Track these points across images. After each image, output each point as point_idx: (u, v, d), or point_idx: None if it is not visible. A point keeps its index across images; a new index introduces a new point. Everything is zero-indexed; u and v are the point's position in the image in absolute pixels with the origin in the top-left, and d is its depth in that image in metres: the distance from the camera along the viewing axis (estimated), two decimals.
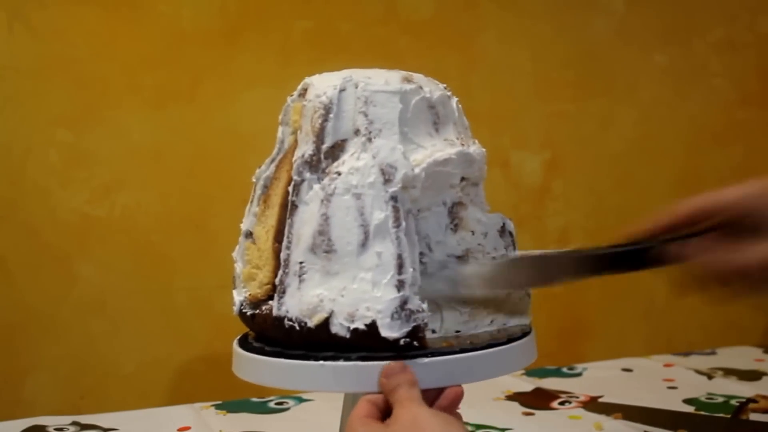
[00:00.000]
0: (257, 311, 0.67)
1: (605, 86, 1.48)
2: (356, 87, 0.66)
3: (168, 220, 1.22)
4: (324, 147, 0.65)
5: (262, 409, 1.08)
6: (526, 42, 1.43)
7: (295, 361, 0.63)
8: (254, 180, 0.71)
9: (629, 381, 1.21)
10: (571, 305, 1.47)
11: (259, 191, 0.70)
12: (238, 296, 0.69)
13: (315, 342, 0.63)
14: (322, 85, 0.67)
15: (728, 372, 1.23)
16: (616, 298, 1.50)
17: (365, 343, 0.61)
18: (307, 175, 0.65)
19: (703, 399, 1.09)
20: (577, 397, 1.10)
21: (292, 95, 0.71)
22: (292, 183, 0.66)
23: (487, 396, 1.10)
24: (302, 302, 0.63)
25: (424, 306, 0.62)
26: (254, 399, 1.13)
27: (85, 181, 1.19)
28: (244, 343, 0.69)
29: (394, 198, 0.63)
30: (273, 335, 0.66)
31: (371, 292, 0.61)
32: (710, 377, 1.21)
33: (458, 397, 0.61)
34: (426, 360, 0.61)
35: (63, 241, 1.18)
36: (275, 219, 0.68)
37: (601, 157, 1.49)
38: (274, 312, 0.65)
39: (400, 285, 0.61)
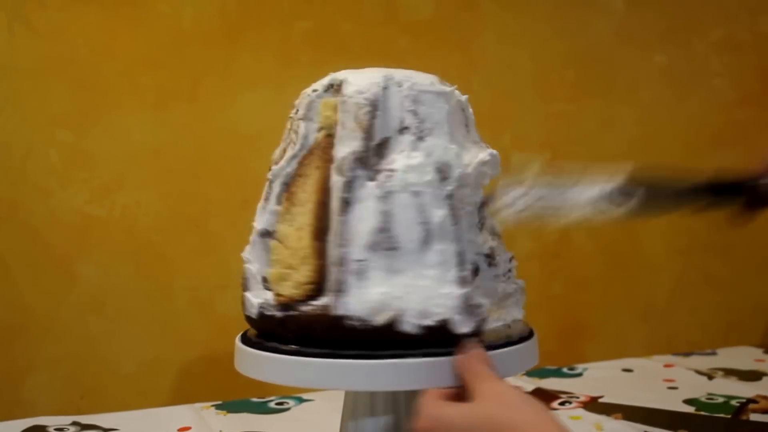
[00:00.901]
0: (293, 312, 0.64)
1: (605, 86, 1.48)
2: (399, 86, 0.66)
3: (168, 220, 1.22)
4: (372, 144, 0.65)
5: (262, 409, 1.08)
6: (526, 42, 1.43)
7: (385, 360, 0.62)
8: (270, 177, 0.68)
9: (629, 381, 1.21)
10: (571, 305, 1.47)
11: (278, 189, 0.67)
12: (256, 298, 0.67)
13: (376, 340, 0.62)
14: (362, 81, 0.66)
15: (728, 372, 1.23)
16: (616, 298, 1.50)
17: (435, 339, 0.62)
18: (359, 172, 0.64)
19: (703, 399, 1.09)
20: (578, 398, 1.10)
21: (315, 90, 0.68)
22: (343, 180, 0.64)
23: None
24: (365, 300, 0.62)
25: (485, 301, 0.64)
26: (254, 399, 1.13)
27: (85, 181, 1.19)
28: (272, 346, 0.66)
29: (450, 196, 0.65)
30: (325, 335, 0.63)
31: (438, 289, 0.63)
32: (710, 377, 1.21)
33: None
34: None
35: (63, 241, 1.18)
36: (310, 217, 0.65)
37: (601, 157, 1.49)
38: (333, 311, 0.62)
39: (463, 281, 0.63)
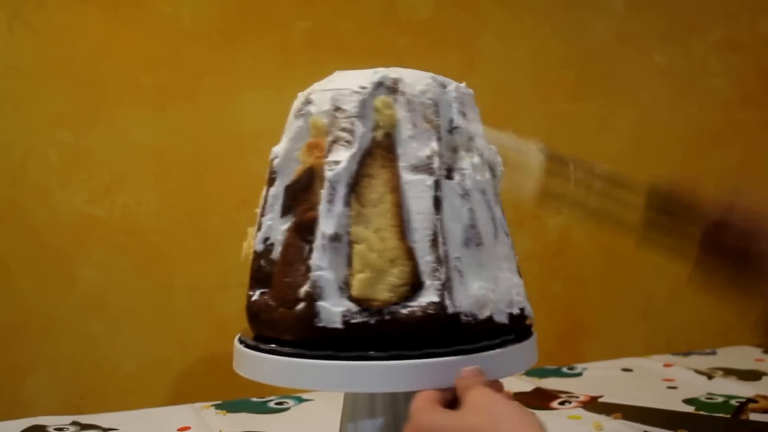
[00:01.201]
0: (388, 316, 0.62)
1: (605, 86, 1.48)
2: (444, 87, 0.68)
3: (168, 220, 1.22)
4: (442, 144, 0.66)
5: (262, 409, 1.08)
6: (526, 42, 1.43)
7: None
8: (334, 179, 0.64)
9: (629, 381, 1.21)
10: (571, 305, 1.47)
11: (343, 190, 0.64)
12: (337, 307, 0.62)
13: (479, 333, 0.64)
14: (417, 80, 0.67)
15: (728, 372, 1.23)
16: (616, 298, 1.50)
17: (516, 327, 0.67)
18: (443, 171, 0.65)
19: (703, 399, 1.09)
20: (577, 397, 1.10)
21: (364, 87, 0.66)
22: (434, 179, 0.64)
23: None
24: (470, 296, 0.64)
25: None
26: (254, 399, 1.13)
27: (85, 181, 1.19)
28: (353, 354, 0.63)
29: (499, 193, 0.70)
30: (434, 334, 0.62)
31: (513, 279, 0.68)
32: (710, 377, 1.21)
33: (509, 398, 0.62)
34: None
35: (63, 241, 1.18)
36: (391, 217, 0.63)
37: (600, 157, 1.49)
38: (449, 310, 0.62)
39: (519, 271, 0.69)
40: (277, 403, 1.10)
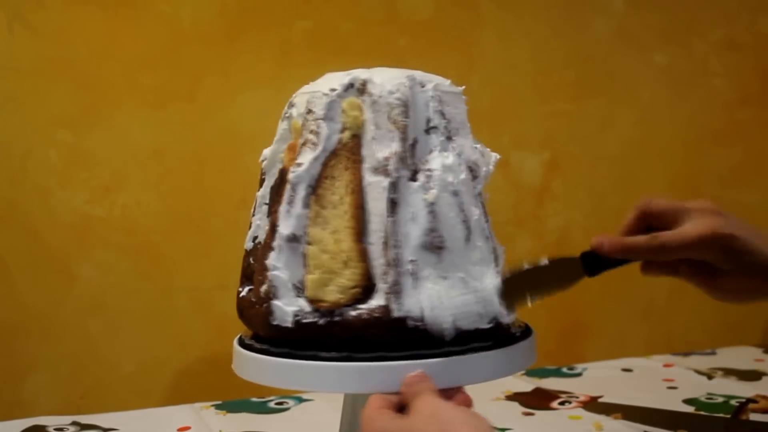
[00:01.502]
0: (338, 318, 0.63)
1: (605, 86, 1.48)
2: (423, 86, 0.67)
3: (168, 220, 1.22)
4: (408, 144, 0.65)
5: (262, 409, 1.08)
6: (526, 42, 1.43)
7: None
8: (292, 180, 0.65)
9: (629, 381, 1.21)
10: (571, 305, 1.47)
11: (303, 192, 0.65)
12: (290, 306, 0.64)
13: (434, 339, 0.63)
14: (388, 81, 0.66)
15: (728, 372, 1.23)
16: (616, 298, 1.50)
17: (490, 334, 0.65)
18: (402, 172, 0.64)
19: (703, 399, 1.09)
20: (577, 397, 1.10)
21: (333, 90, 0.66)
22: (390, 181, 0.63)
23: (487, 396, 1.10)
24: (422, 300, 0.63)
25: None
26: (254, 399, 1.13)
27: (85, 181, 1.19)
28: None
29: (479, 195, 0.68)
30: (381, 338, 0.63)
31: (486, 286, 0.65)
32: (710, 377, 1.21)
33: (468, 405, 0.61)
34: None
35: (63, 241, 1.18)
36: (348, 219, 0.64)
37: (600, 157, 1.49)
38: (394, 314, 0.62)
39: (499, 276, 0.67)
40: (277, 403, 1.10)
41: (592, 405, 1.07)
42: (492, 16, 1.40)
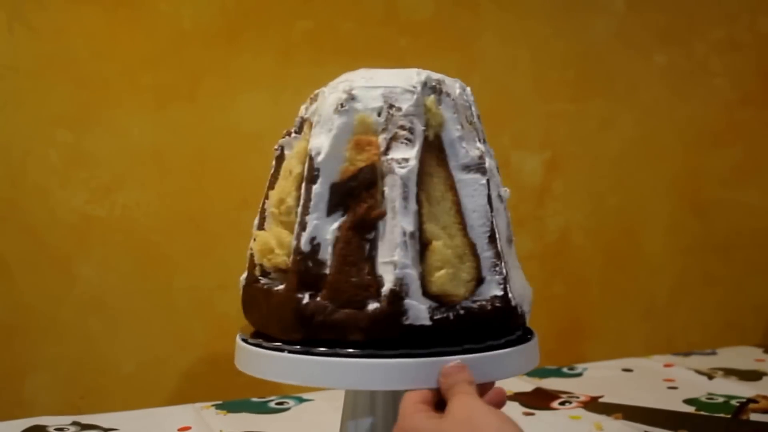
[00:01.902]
0: (461, 311, 0.64)
1: (605, 86, 1.48)
2: (464, 89, 0.70)
3: (168, 220, 1.22)
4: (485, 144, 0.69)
5: (262, 409, 1.08)
6: (526, 42, 1.43)
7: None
8: (407, 176, 0.63)
9: (629, 381, 1.21)
10: (571, 305, 1.47)
11: (414, 188, 0.64)
12: (423, 304, 0.63)
13: (521, 325, 0.68)
14: (452, 83, 0.69)
15: (728, 372, 1.23)
16: (616, 298, 1.50)
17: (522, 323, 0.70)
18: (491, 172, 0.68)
19: (703, 399, 1.09)
20: (578, 397, 1.10)
21: (415, 87, 0.66)
22: (487, 179, 0.66)
23: None
24: (516, 289, 0.67)
25: None
26: (254, 399, 1.13)
27: (85, 181, 1.19)
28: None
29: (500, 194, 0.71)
30: (500, 326, 0.66)
31: (523, 277, 0.71)
32: (710, 377, 1.21)
33: (503, 399, 0.62)
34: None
35: (63, 241, 1.18)
36: (454, 215, 0.65)
37: (600, 157, 1.50)
38: (513, 302, 0.65)
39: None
40: (277, 403, 1.10)
41: (593, 405, 1.07)
42: (492, 16, 1.40)
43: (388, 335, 0.62)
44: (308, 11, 1.28)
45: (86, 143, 1.18)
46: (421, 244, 0.64)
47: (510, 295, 0.65)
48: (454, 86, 0.69)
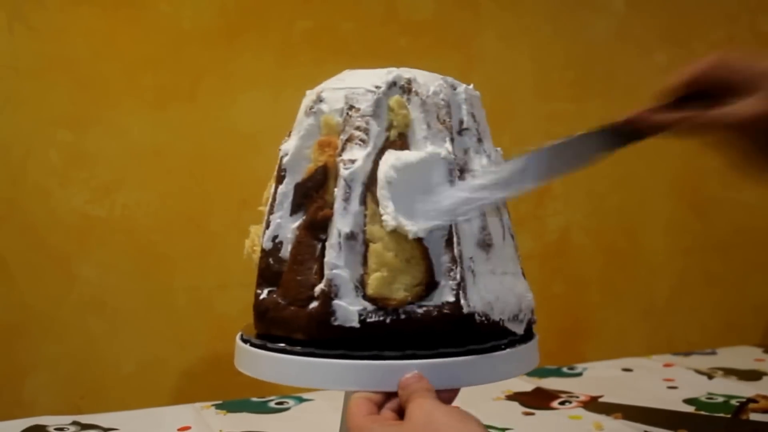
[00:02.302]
0: (403, 316, 0.63)
1: (605, 86, 1.48)
2: (455, 88, 0.69)
3: (168, 220, 1.22)
4: (455, 144, 0.67)
5: (262, 408, 1.08)
6: (526, 42, 1.43)
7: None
8: (347, 178, 0.64)
9: (629, 381, 1.21)
10: (571, 305, 1.47)
11: (359, 189, 0.64)
12: (354, 306, 0.62)
13: (491, 333, 0.65)
14: (429, 81, 0.67)
15: (728, 372, 1.23)
16: (616, 298, 1.50)
17: (526, 331, 0.69)
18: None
19: (703, 399, 1.09)
20: (578, 397, 1.10)
21: (378, 87, 0.66)
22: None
23: (487, 396, 1.11)
24: (482, 297, 0.64)
25: None
26: (254, 399, 1.13)
27: (85, 181, 1.19)
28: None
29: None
30: (447, 334, 0.63)
31: (517, 281, 0.68)
32: (710, 377, 1.21)
33: (454, 393, 0.62)
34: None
35: (63, 241, 1.18)
36: None
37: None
38: (464, 309, 0.62)
39: (522, 272, 0.70)
40: (277, 403, 1.10)
41: (593, 405, 1.07)
42: (492, 16, 1.40)
43: (322, 335, 0.63)
44: (308, 11, 1.28)
45: (86, 143, 1.18)
46: (366, 246, 0.63)
47: (462, 301, 0.62)
48: (427, 86, 0.67)
